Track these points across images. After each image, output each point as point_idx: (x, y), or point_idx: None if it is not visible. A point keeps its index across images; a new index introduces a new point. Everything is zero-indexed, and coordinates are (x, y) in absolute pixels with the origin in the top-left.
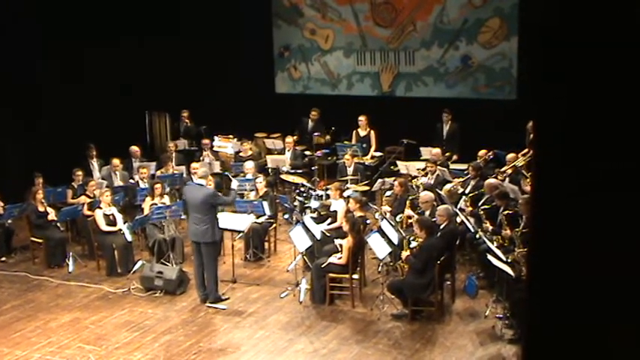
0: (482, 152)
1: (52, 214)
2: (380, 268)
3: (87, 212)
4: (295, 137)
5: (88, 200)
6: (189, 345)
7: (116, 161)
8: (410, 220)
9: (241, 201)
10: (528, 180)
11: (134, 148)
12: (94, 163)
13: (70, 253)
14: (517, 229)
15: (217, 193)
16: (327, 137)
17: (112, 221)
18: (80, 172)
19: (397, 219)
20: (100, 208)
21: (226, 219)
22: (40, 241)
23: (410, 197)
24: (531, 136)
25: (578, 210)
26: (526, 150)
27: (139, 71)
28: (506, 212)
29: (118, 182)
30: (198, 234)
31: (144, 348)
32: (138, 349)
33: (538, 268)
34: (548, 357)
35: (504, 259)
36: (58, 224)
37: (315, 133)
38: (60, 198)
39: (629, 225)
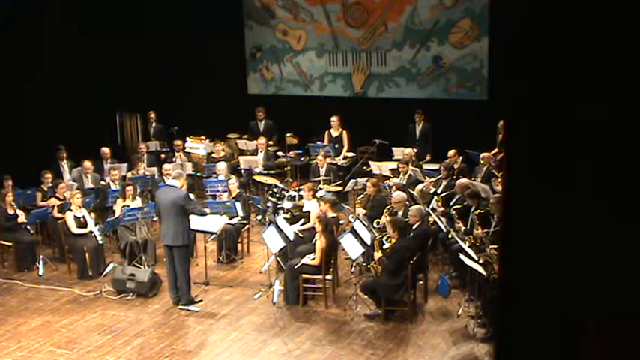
0: (451, 152)
1: (21, 217)
2: (353, 268)
3: (57, 215)
4: (273, 141)
5: (59, 203)
6: (162, 347)
7: (87, 163)
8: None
9: (214, 202)
10: (499, 180)
11: (105, 150)
12: (64, 165)
13: (41, 256)
14: (488, 229)
15: (189, 197)
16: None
17: (82, 224)
18: (49, 175)
19: (375, 225)
20: (71, 210)
21: (199, 220)
22: (9, 244)
23: (387, 206)
24: (500, 136)
25: (548, 209)
26: (496, 150)
27: (110, 72)
28: (477, 212)
29: (88, 184)
30: (170, 237)
31: (116, 351)
32: (110, 352)
33: (509, 267)
34: (519, 355)
35: (476, 258)
36: (28, 227)
37: (289, 134)
38: (29, 200)
39: (599, 223)
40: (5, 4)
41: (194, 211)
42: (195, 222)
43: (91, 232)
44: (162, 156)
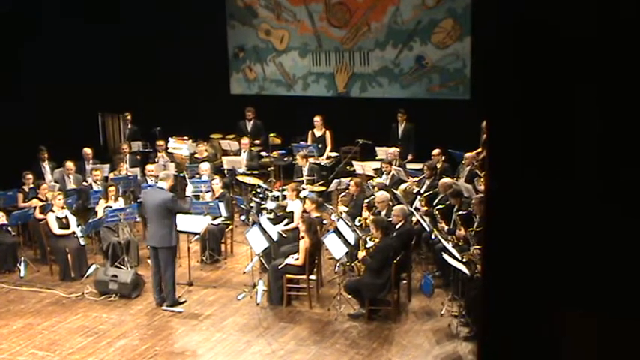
0: (435, 152)
1: (2, 218)
2: (337, 268)
3: (39, 216)
4: (260, 140)
5: (40, 204)
6: (145, 349)
7: (70, 164)
8: (367, 221)
9: (197, 203)
10: (482, 179)
11: (87, 151)
12: (46, 166)
13: (22, 258)
14: (471, 229)
15: (175, 198)
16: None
17: (65, 225)
18: (30, 176)
19: (357, 222)
20: (53, 211)
21: (182, 221)
22: None
23: (366, 200)
24: (484, 136)
25: (530, 208)
26: (479, 150)
27: (91, 72)
28: (460, 212)
29: (70, 185)
30: (156, 238)
31: (99, 353)
32: (92, 354)
33: (492, 266)
34: (502, 353)
35: (459, 257)
36: (9, 228)
37: (272, 134)
38: (11, 202)
39: (581, 221)
40: (5, 3)
41: (182, 210)
42: (179, 222)
43: (74, 233)
44: (138, 157)
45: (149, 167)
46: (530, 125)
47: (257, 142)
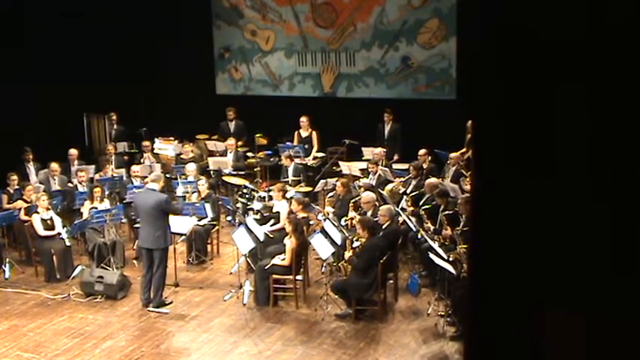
0: (422, 152)
1: None
2: (323, 268)
3: (24, 217)
4: (242, 141)
5: (25, 205)
6: (131, 350)
7: (55, 165)
8: (353, 221)
9: (183, 203)
10: (468, 179)
11: (72, 151)
12: (31, 167)
13: (7, 259)
14: (458, 228)
15: (169, 199)
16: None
17: (50, 226)
18: (15, 177)
19: (342, 222)
20: (38, 212)
21: (170, 222)
22: None
23: (353, 199)
24: (469, 135)
25: (516, 208)
26: (464, 149)
27: (76, 72)
28: (446, 212)
29: (55, 186)
30: (150, 240)
31: (84, 354)
32: (78, 355)
33: (479, 265)
34: (489, 353)
35: (446, 257)
36: None
37: (258, 134)
38: None
39: (568, 221)
40: (5, 4)
41: (176, 211)
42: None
43: (59, 233)
44: (124, 158)
45: (135, 168)
46: (514, 125)
47: (240, 142)
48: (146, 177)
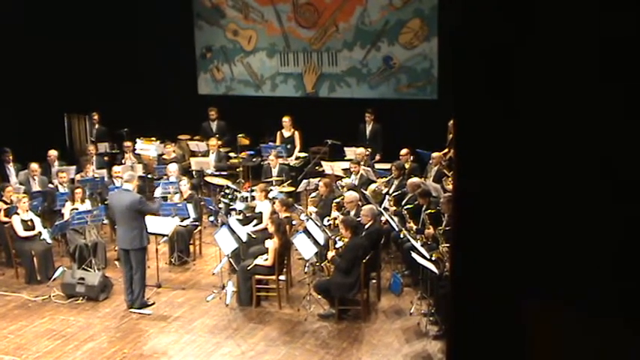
0: (404, 151)
1: None
2: (306, 268)
3: (3, 219)
4: (223, 141)
5: (5, 206)
6: (114, 352)
7: (35, 166)
8: (336, 221)
9: (165, 204)
10: (450, 179)
11: (52, 152)
12: (11, 168)
13: None
14: (440, 227)
15: (143, 200)
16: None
17: (30, 227)
18: None
19: (325, 222)
20: (17, 214)
21: (151, 222)
22: None
23: (335, 200)
24: (451, 135)
25: (497, 207)
26: (446, 149)
27: (57, 72)
28: (428, 212)
29: (36, 187)
30: (126, 241)
31: (66, 356)
32: (60, 357)
33: (460, 264)
34: (472, 351)
35: (428, 256)
36: None
37: (241, 135)
38: None
39: (547, 220)
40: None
41: (151, 211)
42: (148, 224)
43: (40, 233)
44: (105, 158)
45: (116, 168)
46: (497, 125)
47: (220, 142)
48: None
